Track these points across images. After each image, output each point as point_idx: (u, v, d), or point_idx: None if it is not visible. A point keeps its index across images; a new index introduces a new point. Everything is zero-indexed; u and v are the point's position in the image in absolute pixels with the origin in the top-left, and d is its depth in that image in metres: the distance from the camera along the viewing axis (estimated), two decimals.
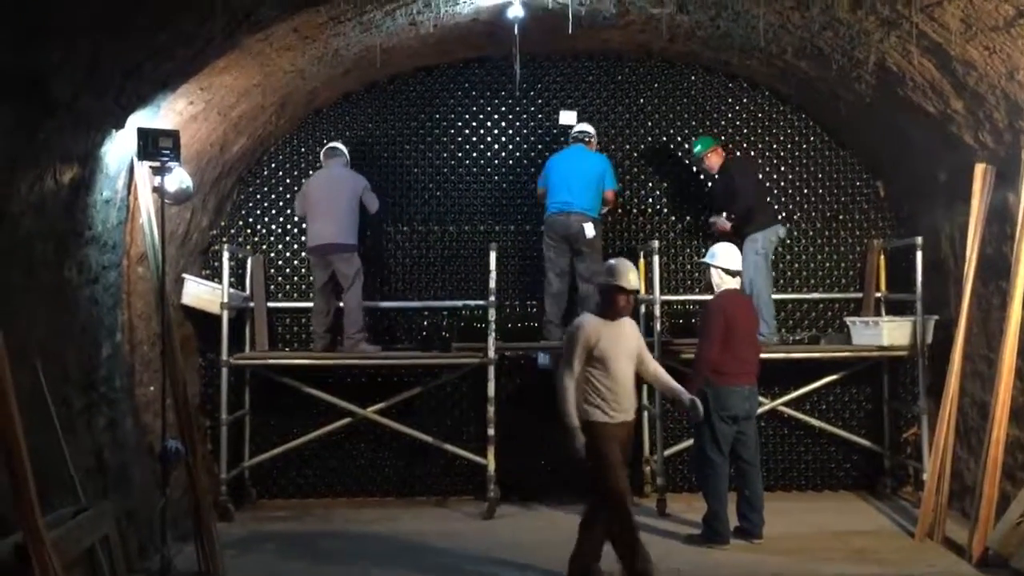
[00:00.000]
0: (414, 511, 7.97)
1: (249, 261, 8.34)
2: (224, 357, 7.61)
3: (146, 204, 6.24)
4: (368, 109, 8.68)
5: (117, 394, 6.05)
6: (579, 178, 7.89)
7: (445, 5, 6.72)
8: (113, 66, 4.99)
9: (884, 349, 7.79)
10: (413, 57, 8.07)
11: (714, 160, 8.24)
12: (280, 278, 8.54)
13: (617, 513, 5.56)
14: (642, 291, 8.17)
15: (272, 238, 8.54)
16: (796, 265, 8.65)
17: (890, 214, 8.63)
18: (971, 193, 6.80)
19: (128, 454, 6.13)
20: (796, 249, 8.65)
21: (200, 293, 7.72)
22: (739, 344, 6.63)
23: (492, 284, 7.66)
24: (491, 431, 7.62)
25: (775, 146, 8.75)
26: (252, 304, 8.25)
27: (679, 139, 8.72)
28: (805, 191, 8.71)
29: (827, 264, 8.65)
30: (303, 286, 8.45)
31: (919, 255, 7.63)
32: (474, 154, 8.72)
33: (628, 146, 8.75)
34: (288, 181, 8.57)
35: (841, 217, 8.66)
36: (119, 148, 5.69)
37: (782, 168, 8.74)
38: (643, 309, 8.23)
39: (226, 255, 7.67)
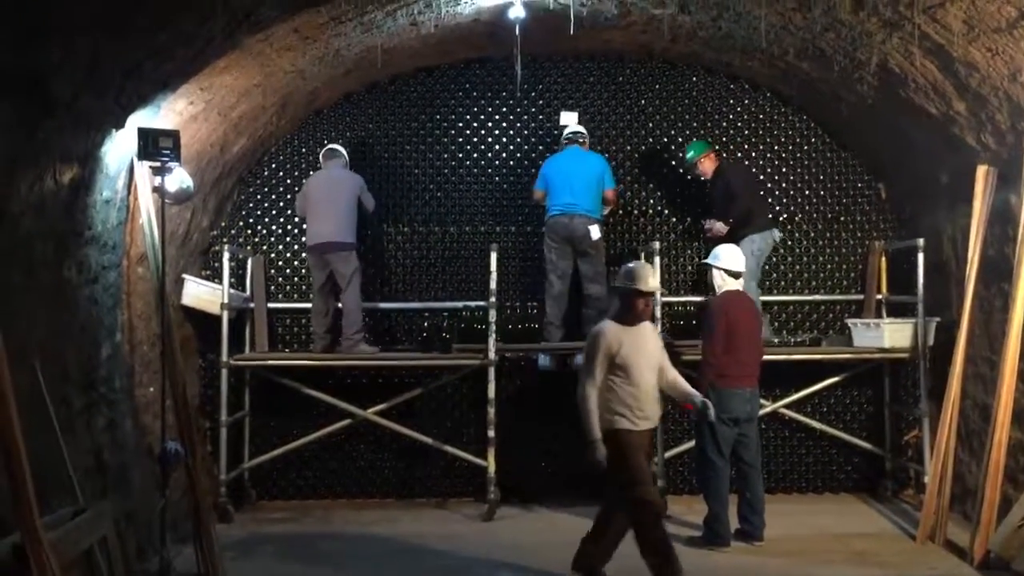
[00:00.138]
0: (414, 513, 7.95)
1: (249, 262, 8.32)
2: (224, 358, 7.60)
3: (146, 204, 6.22)
4: (369, 109, 8.67)
5: (117, 395, 6.03)
6: (580, 180, 7.88)
7: (446, 5, 6.71)
8: (113, 66, 4.97)
9: (885, 351, 7.77)
10: (414, 57, 8.06)
11: (707, 165, 8.23)
12: (280, 279, 8.52)
13: (650, 525, 5.40)
14: None
15: (272, 239, 8.53)
16: (797, 267, 8.63)
17: (892, 216, 8.61)
18: (973, 195, 6.79)
19: (127, 455, 6.11)
20: (797, 251, 8.64)
21: (200, 294, 7.71)
22: (741, 346, 6.61)
23: (493, 285, 7.65)
24: (491, 433, 7.60)
25: (776, 147, 8.74)
26: (252, 305, 8.24)
27: (680, 140, 8.71)
28: (806, 192, 8.70)
29: (828, 266, 8.63)
30: (303, 287, 8.43)
31: (921, 257, 7.62)
32: (475, 155, 8.71)
33: (629, 147, 8.74)
34: (289, 182, 8.56)
35: (842, 219, 8.65)
36: (119, 148, 5.67)
37: (783, 169, 8.72)
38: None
39: (226, 256, 7.66)
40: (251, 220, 8.52)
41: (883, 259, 8.40)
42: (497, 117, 8.73)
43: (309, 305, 8.18)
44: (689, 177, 8.53)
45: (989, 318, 6.92)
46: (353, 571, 6.36)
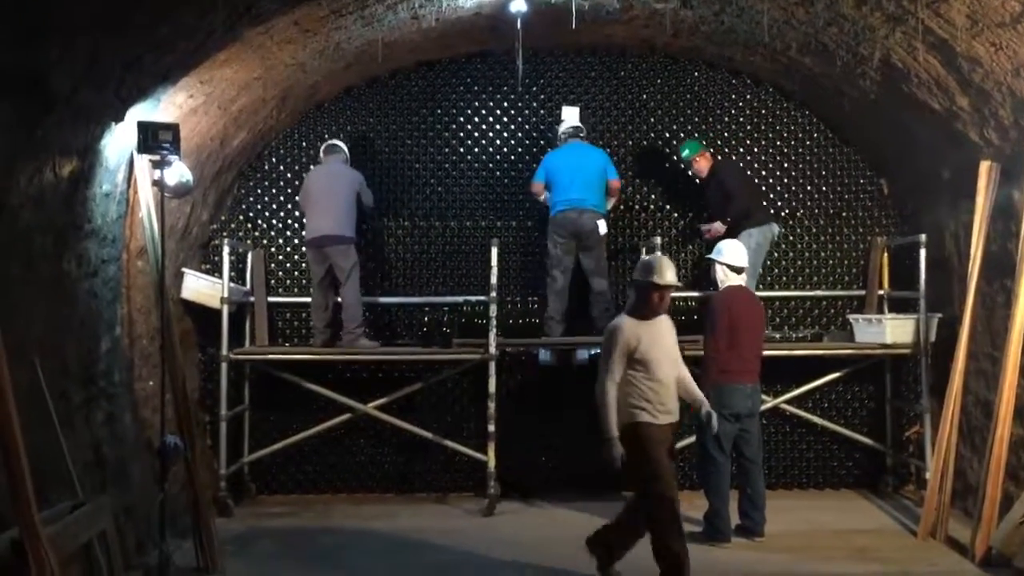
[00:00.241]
0: (414, 507, 7.94)
1: (249, 256, 8.30)
2: (224, 352, 7.59)
3: (146, 198, 6.21)
4: (369, 104, 8.64)
5: (116, 388, 6.02)
6: (586, 175, 7.89)
7: None
8: (113, 59, 4.95)
9: (887, 347, 7.76)
10: (415, 51, 8.04)
11: (702, 164, 8.23)
12: (280, 273, 8.51)
13: (667, 523, 5.31)
14: None
15: (272, 233, 8.51)
16: (799, 262, 8.61)
17: (894, 211, 8.59)
18: (976, 190, 6.76)
19: (127, 449, 6.10)
20: (799, 246, 8.62)
21: (200, 288, 7.70)
22: (743, 342, 6.60)
23: (493, 280, 7.63)
24: (491, 427, 7.59)
25: (778, 143, 8.71)
26: (252, 299, 8.22)
27: (682, 135, 8.68)
28: (808, 188, 8.68)
29: (830, 261, 8.61)
30: (303, 281, 8.41)
31: (923, 252, 7.61)
32: (476, 149, 8.69)
33: (631, 142, 8.72)
34: (289, 176, 8.54)
35: (844, 214, 8.62)
36: (119, 141, 5.65)
37: (785, 165, 8.70)
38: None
39: (226, 249, 7.64)
40: (251, 214, 8.50)
41: (885, 255, 8.38)
42: (498, 112, 8.71)
43: (309, 299, 8.16)
44: (689, 173, 8.49)
45: (991, 314, 6.90)
46: (353, 566, 6.35)
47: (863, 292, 8.49)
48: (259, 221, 8.50)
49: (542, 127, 8.67)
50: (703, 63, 8.66)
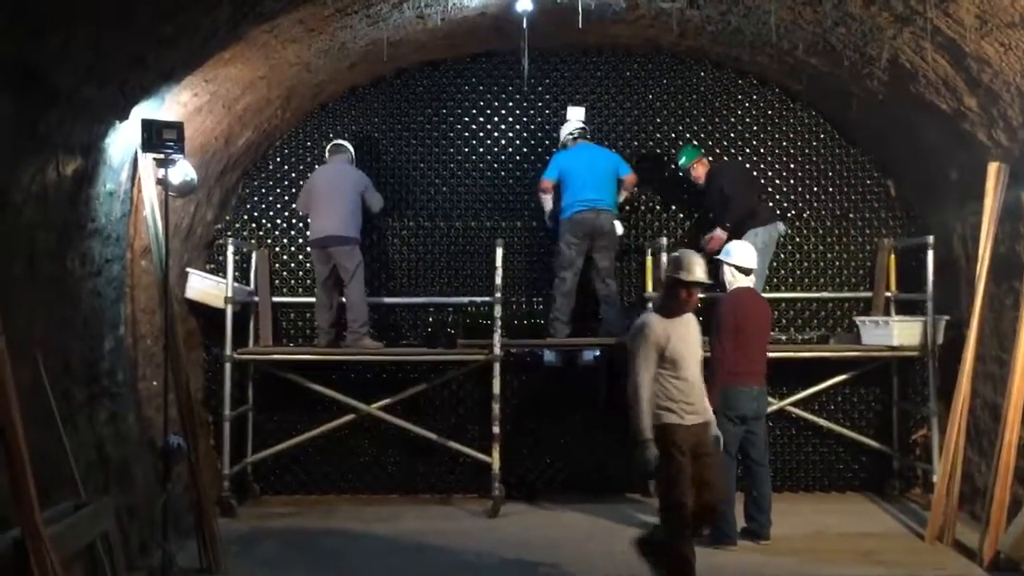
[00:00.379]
0: (418, 509, 7.91)
1: (254, 255, 8.28)
2: (228, 352, 7.58)
3: (150, 197, 6.19)
4: (374, 103, 8.62)
5: (119, 388, 6.00)
6: (600, 175, 7.90)
7: None
8: (116, 55, 4.92)
9: (894, 349, 7.72)
10: (420, 51, 8.02)
11: (700, 171, 8.21)
12: (285, 273, 8.49)
13: (678, 532, 5.20)
14: (649, 289, 8.13)
15: (277, 232, 8.49)
16: (805, 264, 8.57)
17: (901, 213, 8.54)
18: (983, 192, 6.71)
19: (130, 449, 6.08)
20: (805, 247, 8.57)
21: (204, 287, 7.68)
22: (750, 344, 6.55)
23: (498, 280, 7.61)
24: (496, 429, 7.57)
25: (785, 143, 8.67)
26: (256, 299, 8.21)
27: (687, 136, 8.65)
28: (815, 189, 8.64)
29: (837, 263, 8.57)
30: (308, 281, 8.39)
31: (930, 254, 7.56)
32: (481, 149, 8.66)
33: (636, 142, 8.68)
34: (293, 175, 8.52)
35: (851, 215, 8.58)
36: (123, 139, 5.63)
37: (791, 166, 8.66)
38: (651, 306, 8.15)
39: (230, 249, 7.63)
40: (255, 214, 8.48)
41: (892, 256, 8.33)
42: (503, 112, 8.68)
43: (313, 299, 8.14)
44: (690, 178, 8.39)
45: (999, 316, 6.86)
46: (356, 567, 6.32)
47: (870, 294, 8.44)
48: (263, 221, 8.48)
49: (547, 127, 8.64)
50: (709, 63, 8.63)
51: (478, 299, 8.29)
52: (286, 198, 8.50)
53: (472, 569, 6.27)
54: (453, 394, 8.38)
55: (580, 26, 6.73)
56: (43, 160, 4.78)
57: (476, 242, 8.52)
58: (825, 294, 8.54)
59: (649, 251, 8.22)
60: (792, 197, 8.63)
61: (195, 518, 6.13)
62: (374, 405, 8.04)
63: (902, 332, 7.66)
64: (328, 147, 8.16)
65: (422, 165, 8.63)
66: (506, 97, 8.67)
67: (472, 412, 8.31)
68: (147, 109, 5.72)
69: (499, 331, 7.56)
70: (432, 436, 8.04)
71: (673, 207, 8.64)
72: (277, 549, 6.73)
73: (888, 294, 8.31)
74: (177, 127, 5.75)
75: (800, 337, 8.32)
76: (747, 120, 8.68)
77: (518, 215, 8.59)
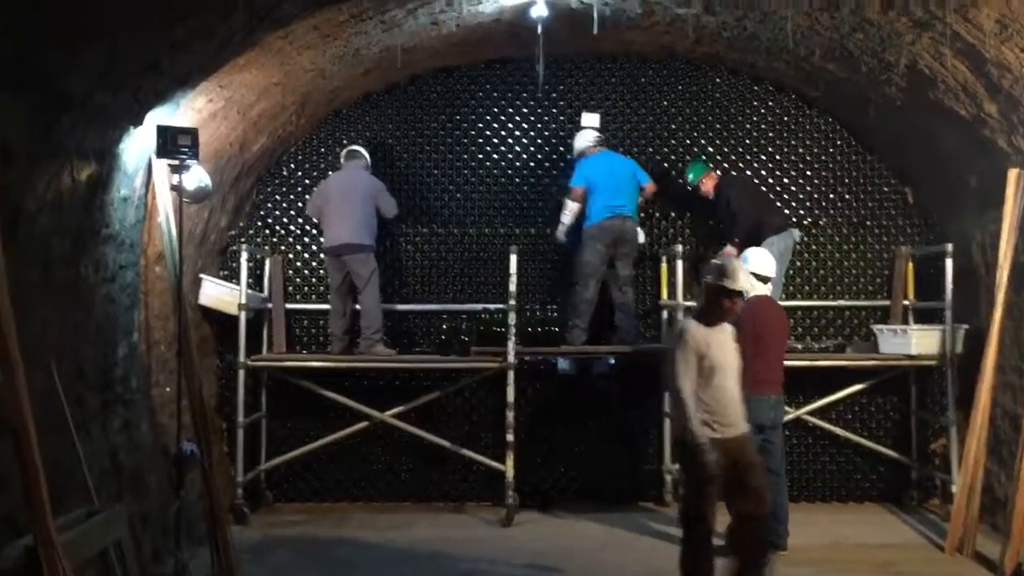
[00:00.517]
0: (431, 517, 7.87)
1: (267, 262, 8.28)
2: (241, 359, 7.57)
3: (164, 203, 6.17)
4: (388, 110, 8.62)
5: (133, 395, 5.99)
6: (623, 181, 7.91)
7: (467, 4, 6.64)
8: (131, 61, 4.92)
9: (912, 358, 7.65)
10: (434, 57, 8.01)
11: (709, 185, 8.20)
12: (298, 279, 8.48)
13: (699, 544, 5.09)
14: (664, 297, 8.09)
15: (291, 239, 8.49)
16: (822, 272, 8.51)
17: (919, 220, 8.47)
18: (1003, 199, 6.64)
19: (143, 456, 6.06)
20: (822, 255, 8.51)
21: (218, 294, 7.67)
22: (768, 352, 6.47)
23: (512, 287, 7.57)
24: (510, 437, 7.52)
25: (801, 150, 8.62)
26: (270, 305, 8.20)
27: (703, 142, 8.61)
28: (831, 196, 8.57)
29: (854, 271, 8.50)
30: (321, 288, 8.39)
31: (949, 262, 7.49)
32: (495, 156, 8.64)
33: (651, 149, 8.64)
34: (308, 182, 8.52)
35: (868, 223, 8.52)
36: (137, 145, 5.63)
37: (808, 173, 8.60)
38: (665, 315, 8.12)
39: (244, 256, 7.62)
40: (270, 220, 8.48)
41: (910, 264, 8.26)
42: (518, 118, 8.66)
43: (327, 306, 8.13)
44: (700, 192, 8.33)
45: (1019, 325, 6.78)
46: None
47: (887, 302, 8.37)
48: (277, 227, 8.48)
49: (562, 134, 8.60)
50: (724, 69, 8.59)
51: (492, 306, 8.25)
52: (300, 204, 8.49)
53: None
54: (466, 402, 8.34)
55: (595, 32, 6.68)
56: (57, 166, 4.77)
57: (490, 249, 8.49)
58: (842, 302, 8.47)
59: (664, 259, 8.18)
60: (809, 204, 8.56)
61: (208, 526, 6.10)
62: (387, 412, 8.01)
63: (920, 341, 7.59)
64: (343, 152, 8.16)
65: (436, 172, 8.61)
66: (520, 104, 8.65)
67: (486, 420, 8.27)
68: (162, 115, 5.72)
69: (513, 339, 7.52)
70: (446, 444, 8.00)
71: (688, 214, 8.59)
72: (289, 558, 6.69)
73: (906, 302, 8.23)
74: (192, 133, 5.74)
75: (817, 346, 8.25)
76: (763, 127, 8.63)
77: (532, 222, 8.56)
